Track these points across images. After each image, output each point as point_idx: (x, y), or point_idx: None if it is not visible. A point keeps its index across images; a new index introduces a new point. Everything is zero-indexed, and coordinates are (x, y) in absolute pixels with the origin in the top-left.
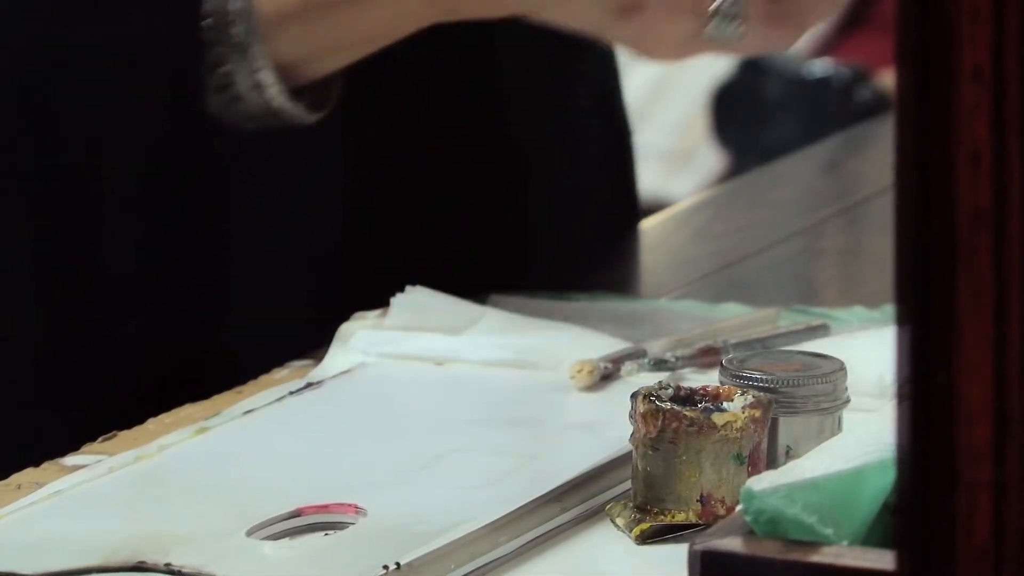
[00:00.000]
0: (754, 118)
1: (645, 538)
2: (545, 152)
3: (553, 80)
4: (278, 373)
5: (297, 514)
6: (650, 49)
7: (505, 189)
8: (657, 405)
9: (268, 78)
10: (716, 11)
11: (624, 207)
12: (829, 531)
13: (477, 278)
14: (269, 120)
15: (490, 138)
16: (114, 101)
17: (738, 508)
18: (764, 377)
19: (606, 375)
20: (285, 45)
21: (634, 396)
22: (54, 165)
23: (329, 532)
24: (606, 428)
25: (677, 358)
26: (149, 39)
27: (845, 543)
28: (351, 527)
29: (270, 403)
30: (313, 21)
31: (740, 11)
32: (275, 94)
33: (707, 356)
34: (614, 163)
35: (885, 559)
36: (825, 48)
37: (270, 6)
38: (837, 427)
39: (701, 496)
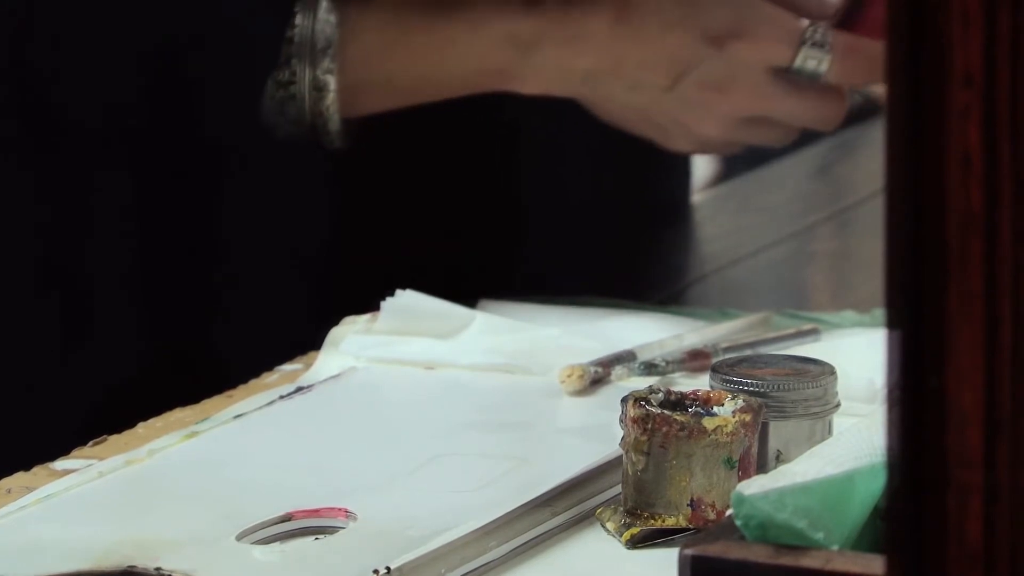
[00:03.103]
0: None
1: (635, 542)
2: (535, 156)
3: None
4: (268, 377)
5: (287, 518)
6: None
7: (495, 194)
8: (647, 409)
9: (332, 83)
10: (806, 40)
11: (620, 210)
12: (819, 535)
13: (467, 282)
14: (309, 129)
15: (481, 142)
16: (111, 102)
17: (728, 512)
18: (754, 381)
19: (596, 379)
20: (357, 65)
21: (624, 400)
22: (49, 166)
23: (319, 536)
24: (596, 432)
25: (667, 362)
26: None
27: (835, 547)
28: (341, 531)
29: (260, 407)
30: (391, 50)
31: (827, 43)
32: (331, 101)
33: (697, 360)
34: (608, 167)
35: (875, 563)
36: None
37: (358, 24)
38: (827, 431)
39: (691, 500)
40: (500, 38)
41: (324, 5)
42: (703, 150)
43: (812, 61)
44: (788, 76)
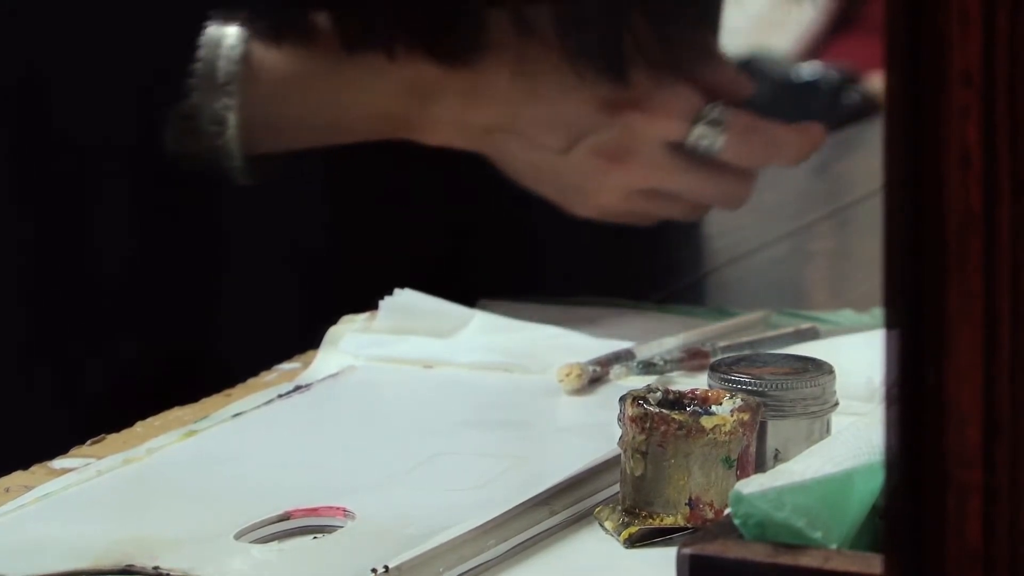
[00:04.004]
0: None
1: (634, 541)
2: None
3: None
4: (267, 376)
5: (286, 517)
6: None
7: (496, 193)
8: (646, 408)
9: (231, 119)
10: (702, 117)
11: None
12: (818, 534)
13: (467, 282)
14: (212, 164)
15: None
16: (109, 105)
17: (727, 511)
18: (753, 380)
19: (595, 378)
20: (259, 103)
21: (623, 399)
22: (48, 168)
23: (318, 535)
24: (595, 431)
25: (666, 361)
26: (148, 48)
27: (834, 546)
28: (340, 530)
29: (259, 406)
30: (294, 90)
31: (724, 122)
32: (230, 137)
33: (696, 359)
34: None
35: (874, 562)
36: (814, 51)
37: (263, 61)
38: (825, 431)
39: (690, 500)
40: (402, 86)
41: (229, 39)
42: (605, 218)
43: (706, 139)
44: (687, 152)
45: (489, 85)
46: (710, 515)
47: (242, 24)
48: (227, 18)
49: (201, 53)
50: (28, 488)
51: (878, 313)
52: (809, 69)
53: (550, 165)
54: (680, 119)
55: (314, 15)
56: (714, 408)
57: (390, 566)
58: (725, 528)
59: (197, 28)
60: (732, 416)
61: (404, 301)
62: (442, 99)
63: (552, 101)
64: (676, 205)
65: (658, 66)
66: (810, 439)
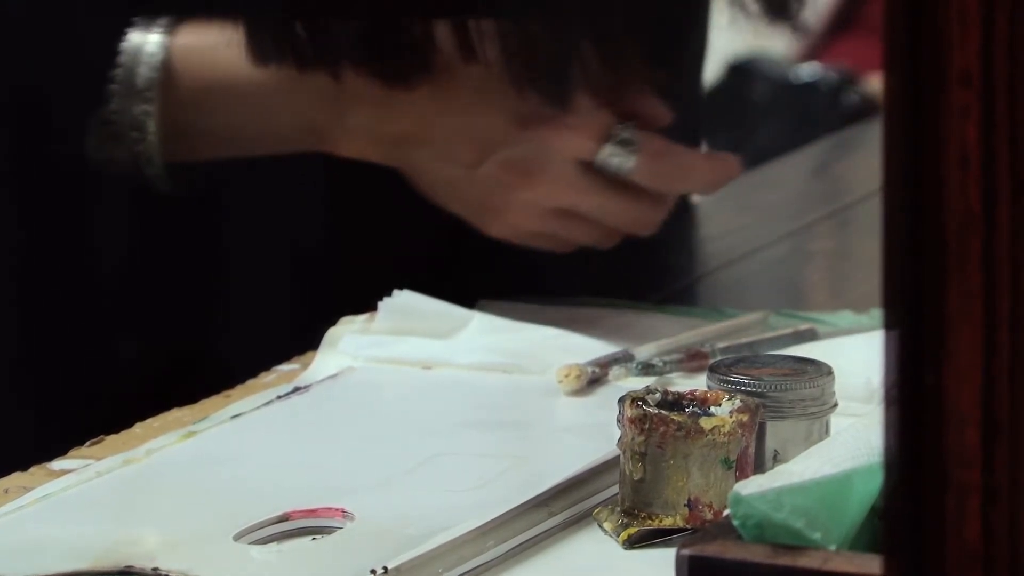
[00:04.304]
0: (742, 122)
1: (633, 543)
2: None
3: None
4: (266, 377)
5: (285, 518)
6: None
7: None
8: (645, 409)
9: (150, 125)
10: (612, 136)
11: None
12: (817, 535)
13: (466, 282)
14: (133, 171)
15: None
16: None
17: (726, 512)
18: (752, 381)
19: (594, 379)
20: (177, 110)
21: (622, 400)
22: (47, 169)
23: (317, 536)
24: (594, 432)
25: (665, 362)
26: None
27: (833, 547)
28: (339, 531)
29: (258, 407)
30: (211, 98)
31: (635, 143)
32: (149, 144)
33: (695, 360)
34: None
35: (873, 563)
36: (813, 52)
37: (182, 67)
38: (824, 431)
39: (689, 500)
40: (315, 95)
41: (150, 46)
42: (519, 239)
43: (616, 158)
44: (600, 173)
45: (403, 96)
46: (709, 516)
47: (164, 32)
48: (149, 25)
49: (122, 59)
50: (27, 489)
51: (877, 314)
52: (809, 70)
53: (461, 180)
54: (591, 137)
55: (235, 26)
56: (713, 409)
57: (389, 567)
58: (724, 529)
59: (119, 34)
60: (731, 417)
61: (403, 302)
62: (356, 109)
63: (465, 112)
64: (589, 228)
65: (582, 86)
66: (809, 440)
